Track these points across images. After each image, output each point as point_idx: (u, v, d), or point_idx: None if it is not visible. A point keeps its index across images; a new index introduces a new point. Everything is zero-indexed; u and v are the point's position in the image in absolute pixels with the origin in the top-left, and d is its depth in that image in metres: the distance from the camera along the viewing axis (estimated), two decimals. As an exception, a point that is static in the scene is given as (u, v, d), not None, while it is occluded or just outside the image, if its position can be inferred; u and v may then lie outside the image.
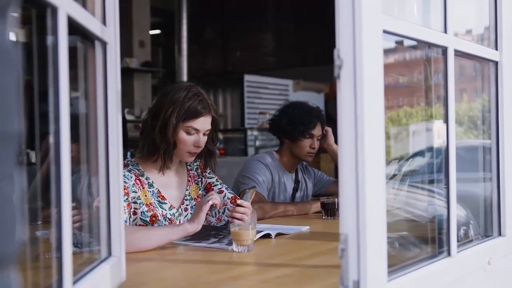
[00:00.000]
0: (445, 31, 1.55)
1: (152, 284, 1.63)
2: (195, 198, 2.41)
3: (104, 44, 1.38)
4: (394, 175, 2.24)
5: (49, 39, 1.04)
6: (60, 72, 1.03)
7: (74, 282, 1.10)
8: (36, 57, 1.11)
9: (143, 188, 2.24)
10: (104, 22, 1.38)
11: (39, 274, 1.19)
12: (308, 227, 2.44)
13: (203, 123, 2.25)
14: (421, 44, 1.64)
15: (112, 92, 1.40)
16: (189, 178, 2.43)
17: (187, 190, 2.40)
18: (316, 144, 3.08)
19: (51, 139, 1.02)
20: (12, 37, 0.60)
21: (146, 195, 2.24)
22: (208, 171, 2.48)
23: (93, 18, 1.28)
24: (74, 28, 1.13)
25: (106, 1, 1.39)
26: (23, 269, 0.95)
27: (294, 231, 2.35)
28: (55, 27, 1.02)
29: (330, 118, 4.54)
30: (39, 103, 1.09)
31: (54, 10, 1.01)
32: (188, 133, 2.23)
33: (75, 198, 1.20)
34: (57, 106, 1.02)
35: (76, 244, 1.36)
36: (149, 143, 2.25)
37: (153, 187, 2.28)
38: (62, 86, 1.03)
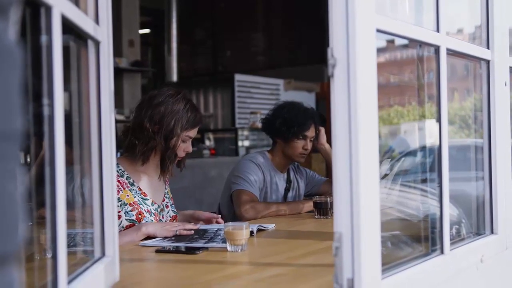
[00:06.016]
0: (438, 30, 1.56)
1: (146, 284, 1.63)
2: (171, 198, 2.54)
3: (97, 44, 1.37)
4: (386, 175, 2.25)
5: (43, 38, 1.03)
6: (55, 72, 1.02)
7: (69, 282, 1.09)
8: (28, 56, 1.10)
9: (124, 188, 2.30)
10: (97, 21, 1.37)
11: (32, 274, 1.19)
12: (274, 225, 2.45)
13: (196, 131, 2.43)
14: (413, 43, 1.64)
15: (105, 91, 1.40)
16: (166, 179, 2.54)
17: (166, 189, 2.52)
18: (309, 145, 3.08)
19: (45, 140, 1.02)
20: (14, 36, 0.60)
21: (128, 195, 2.30)
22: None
23: (86, 17, 1.27)
24: (67, 27, 1.13)
25: (99, 0, 1.38)
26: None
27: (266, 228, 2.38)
28: (49, 26, 1.01)
29: (321, 117, 4.54)
30: (30, 103, 1.08)
31: (48, 9, 1.00)
32: (183, 141, 2.37)
33: (67, 199, 1.20)
34: (51, 106, 1.02)
35: (69, 244, 1.36)
36: (150, 149, 2.32)
37: (134, 185, 2.35)
38: (57, 85, 1.02)
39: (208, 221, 2.47)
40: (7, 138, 0.57)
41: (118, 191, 2.25)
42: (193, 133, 2.39)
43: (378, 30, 1.27)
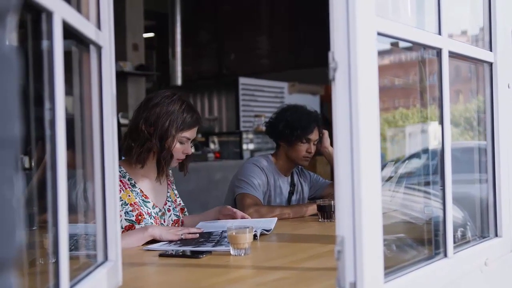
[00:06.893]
0: (439, 33, 1.56)
1: (149, 288, 1.63)
2: (174, 201, 2.54)
3: (99, 48, 1.38)
4: (390, 177, 2.25)
5: (44, 44, 1.03)
6: (56, 77, 1.02)
7: (71, 287, 1.10)
8: (30, 61, 1.10)
9: (126, 188, 2.32)
10: (98, 26, 1.38)
11: (35, 279, 1.19)
12: (276, 219, 2.51)
13: (194, 132, 2.42)
14: (416, 45, 1.64)
15: (107, 96, 1.40)
16: (168, 182, 2.55)
17: (168, 192, 2.52)
18: (313, 149, 3.08)
19: (47, 144, 1.02)
20: (12, 42, 0.61)
21: (129, 195, 2.32)
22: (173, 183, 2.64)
23: (87, 23, 1.27)
24: (69, 32, 1.13)
25: (100, 5, 1.39)
26: (20, 274, 0.95)
27: (267, 223, 2.41)
28: (50, 31, 1.02)
29: (325, 120, 4.54)
30: (33, 108, 1.09)
31: (49, 14, 1.01)
32: (181, 143, 2.37)
33: (71, 203, 1.20)
34: (52, 111, 1.02)
35: (71, 248, 1.36)
36: (146, 151, 2.33)
37: (136, 187, 2.36)
38: (58, 90, 1.02)
39: (232, 217, 2.51)
40: (5, 144, 0.57)
41: (120, 190, 2.26)
42: (190, 134, 2.38)
43: (379, 33, 1.27)
